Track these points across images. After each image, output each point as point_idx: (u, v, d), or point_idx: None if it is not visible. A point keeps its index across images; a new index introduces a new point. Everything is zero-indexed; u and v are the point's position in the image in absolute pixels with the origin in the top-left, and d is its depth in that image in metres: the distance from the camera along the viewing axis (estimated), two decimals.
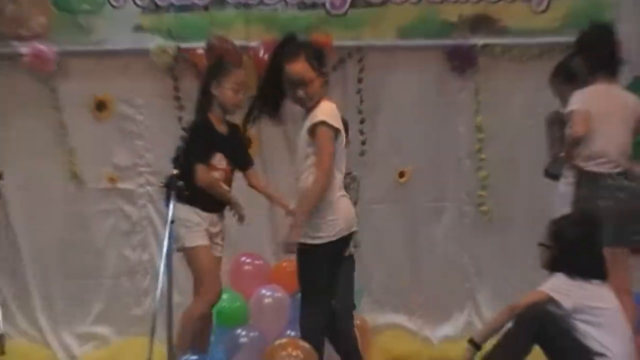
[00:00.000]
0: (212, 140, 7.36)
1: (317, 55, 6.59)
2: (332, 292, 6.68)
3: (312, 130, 6.41)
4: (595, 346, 6.10)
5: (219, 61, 7.78)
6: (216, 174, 7.37)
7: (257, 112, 6.74)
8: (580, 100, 7.22)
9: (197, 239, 7.29)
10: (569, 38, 8.31)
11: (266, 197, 7.94)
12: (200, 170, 7.18)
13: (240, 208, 7.50)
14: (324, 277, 6.54)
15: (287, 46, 6.60)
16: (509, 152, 9.10)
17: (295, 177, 6.67)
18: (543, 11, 9.06)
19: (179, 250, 7.27)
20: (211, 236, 7.38)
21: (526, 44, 9.08)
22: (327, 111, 6.46)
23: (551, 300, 6.20)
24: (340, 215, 6.49)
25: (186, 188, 6.88)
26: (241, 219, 7.57)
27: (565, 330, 6.16)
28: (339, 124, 6.47)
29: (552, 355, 6.26)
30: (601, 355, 6.07)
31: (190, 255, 7.33)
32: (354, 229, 6.61)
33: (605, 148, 7.21)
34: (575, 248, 6.39)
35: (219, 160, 7.38)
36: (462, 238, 9.15)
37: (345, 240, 6.56)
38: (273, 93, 6.63)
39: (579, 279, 6.26)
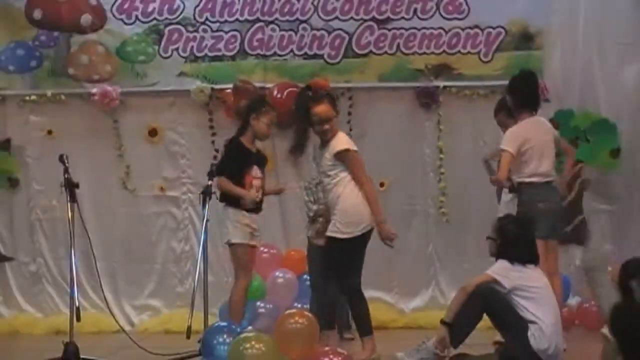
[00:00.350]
0: (248, 157, 7.27)
1: (333, 99, 6.70)
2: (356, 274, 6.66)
3: (340, 156, 6.52)
4: (528, 316, 6.02)
5: (262, 99, 7.67)
6: (256, 182, 7.28)
7: (300, 143, 6.74)
8: (511, 139, 7.08)
9: (241, 237, 7.18)
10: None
11: (273, 192, 7.92)
12: (220, 181, 7.13)
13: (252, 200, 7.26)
14: (351, 263, 6.59)
15: (311, 93, 6.66)
16: (462, 168, 9.03)
17: (322, 189, 6.79)
18: (489, 61, 9.04)
19: (227, 244, 7.22)
20: (252, 231, 7.26)
21: (476, 86, 9.06)
22: (345, 140, 6.62)
23: (495, 281, 6.15)
24: (363, 215, 6.53)
25: (231, 196, 7.04)
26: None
27: (506, 303, 6.09)
28: (355, 147, 6.61)
29: (497, 323, 6.22)
30: (533, 322, 6.02)
31: (234, 249, 7.21)
32: (373, 226, 6.59)
33: (540, 165, 7.12)
34: (514, 240, 6.35)
35: (255, 171, 7.30)
36: (428, 234, 9.10)
37: (367, 234, 6.58)
38: (305, 128, 6.68)
39: (517, 264, 6.22)
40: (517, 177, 7.11)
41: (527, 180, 7.11)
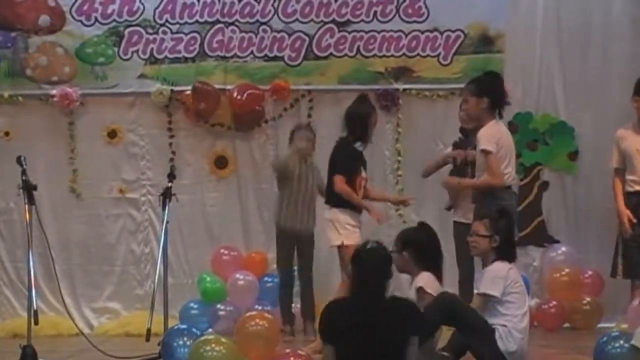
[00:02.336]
0: (360, 158, 7.33)
1: None
2: None
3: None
4: (500, 321, 5.76)
5: (369, 102, 7.66)
6: (363, 183, 7.29)
7: None
8: (491, 139, 6.81)
9: (354, 239, 7.07)
10: None
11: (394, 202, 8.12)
12: (339, 180, 7.15)
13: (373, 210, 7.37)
14: None
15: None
16: (419, 170, 8.76)
17: None
18: (448, 64, 9.04)
19: (337, 246, 7.13)
20: (359, 231, 7.23)
21: (435, 89, 9.06)
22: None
23: (489, 297, 5.83)
24: None
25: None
26: (380, 220, 7.47)
27: (470, 309, 5.87)
28: None
29: (460, 328, 5.89)
30: (503, 325, 5.77)
31: (347, 250, 6.97)
32: None
33: (505, 170, 6.95)
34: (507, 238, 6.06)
35: (362, 172, 7.33)
36: (387, 234, 9.00)
37: None
38: None
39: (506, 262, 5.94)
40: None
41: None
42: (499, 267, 5.91)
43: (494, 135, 6.83)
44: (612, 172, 7.77)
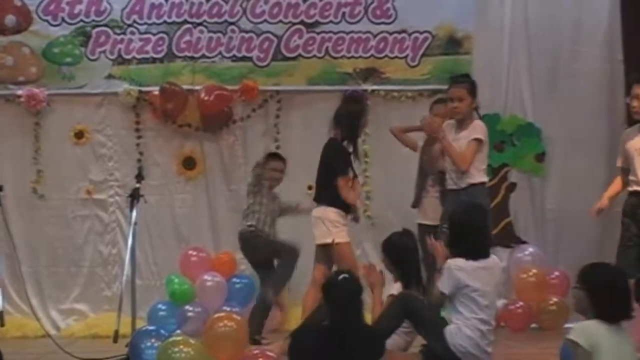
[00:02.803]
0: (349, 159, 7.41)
1: None
2: None
3: None
4: (451, 318, 5.82)
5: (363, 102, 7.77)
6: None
7: None
8: (485, 137, 7.12)
9: (345, 237, 7.22)
10: (434, 86, 8.50)
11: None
12: (344, 181, 7.24)
13: (357, 210, 7.57)
14: None
15: None
16: (387, 171, 9.03)
17: None
18: (415, 66, 9.05)
19: (328, 245, 7.18)
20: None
21: (403, 90, 9.06)
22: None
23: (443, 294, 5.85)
24: None
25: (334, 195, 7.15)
26: (356, 219, 7.61)
27: (423, 305, 5.96)
28: None
29: (415, 324, 5.99)
30: (454, 323, 5.81)
31: (339, 248, 7.18)
32: None
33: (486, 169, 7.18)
34: (466, 231, 5.95)
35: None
36: (355, 237, 8.97)
37: None
38: None
39: (468, 260, 5.83)
40: (469, 178, 7.06)
41: (479, 180, 7.09)
42: (456, 264, 5.84)
43: (485, 129, 7.10)
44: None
